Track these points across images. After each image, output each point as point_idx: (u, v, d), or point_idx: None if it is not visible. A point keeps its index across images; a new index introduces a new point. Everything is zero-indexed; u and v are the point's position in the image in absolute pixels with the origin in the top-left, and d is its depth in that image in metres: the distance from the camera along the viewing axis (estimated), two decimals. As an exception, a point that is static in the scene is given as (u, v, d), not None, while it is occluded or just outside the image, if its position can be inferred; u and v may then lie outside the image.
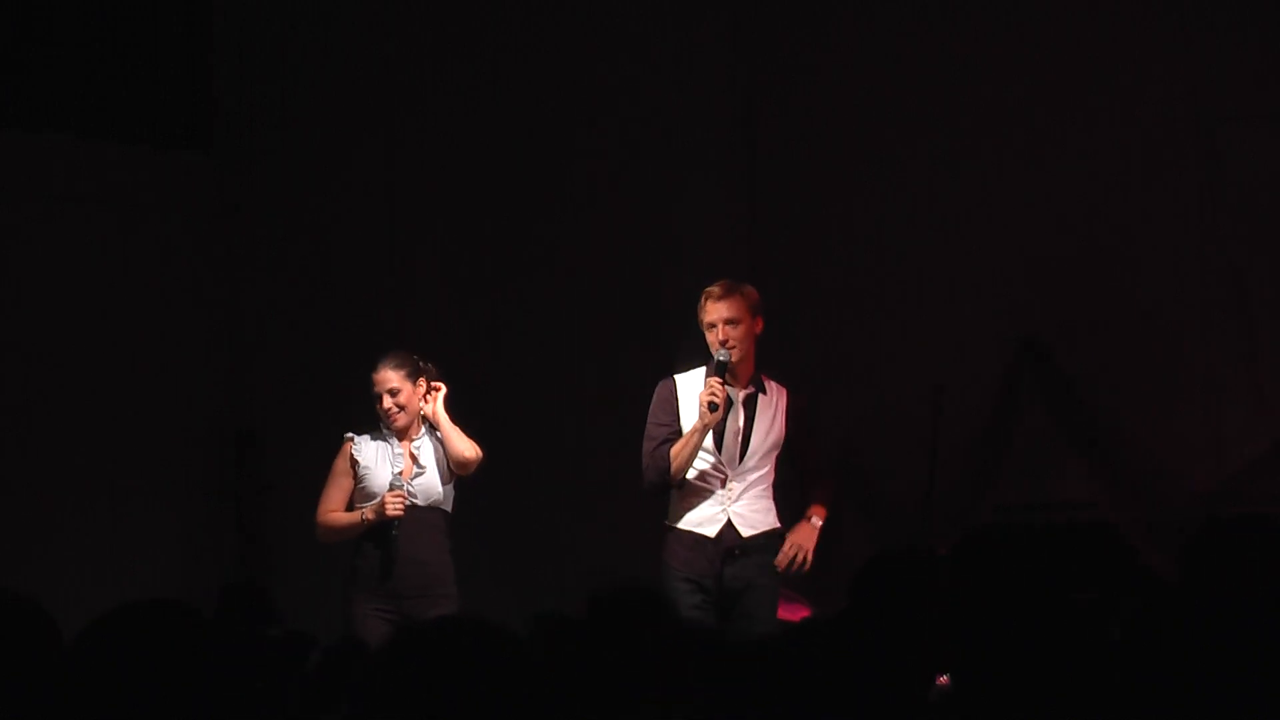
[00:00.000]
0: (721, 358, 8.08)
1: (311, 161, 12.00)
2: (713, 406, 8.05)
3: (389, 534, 8.08)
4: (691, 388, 8.19)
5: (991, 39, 10.24)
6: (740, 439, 8.23)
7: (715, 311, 8.18)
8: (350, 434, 8.38)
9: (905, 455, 9.79)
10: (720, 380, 8.08)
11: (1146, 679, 3.64)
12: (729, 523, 8.14)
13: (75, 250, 11.34)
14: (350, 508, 8.27)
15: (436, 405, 8.52)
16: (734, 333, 8.15)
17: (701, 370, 8.20)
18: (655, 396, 8.28)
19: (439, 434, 8.46)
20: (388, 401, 8.27)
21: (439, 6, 11.10)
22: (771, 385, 8.35)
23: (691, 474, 8.25)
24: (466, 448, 8.35)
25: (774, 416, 8.29)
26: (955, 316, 10.33)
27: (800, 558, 8.26)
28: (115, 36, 11.22)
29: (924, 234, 10.50)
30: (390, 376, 8.35)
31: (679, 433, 8.23)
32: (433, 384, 8.49)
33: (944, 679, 7.15)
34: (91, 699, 3.45)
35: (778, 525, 8.17)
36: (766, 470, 8.18)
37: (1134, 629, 3.92)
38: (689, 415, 8.17)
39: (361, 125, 11.91)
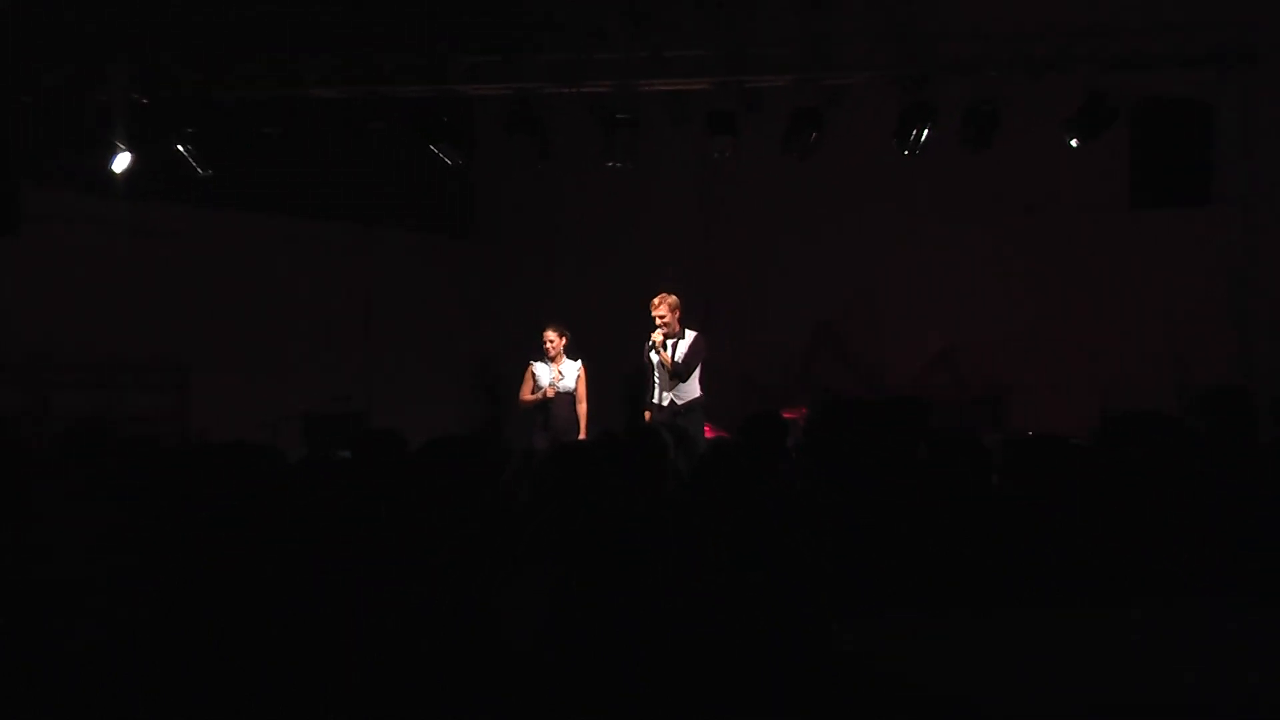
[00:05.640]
0: (658, 334, 8.31)
1: (520, 238, 12.27)
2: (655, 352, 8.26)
3: (548, 404, 8.52)
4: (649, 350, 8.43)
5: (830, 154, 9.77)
6: (671, 361, 8.29)
7: (656, 311, 8.38)
8: (531, 361, 8.71)
9: (771, 373, 10.01)
10: (662, 342, 8.26)
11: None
12: (672, 399, 8.27)
13: (407, 289, 11.96)
14: (534, 393, 8.62)
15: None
16: (666, 321, 8.30)
17: (652, 339, 8.42)
18: (645, 355, 8.46)
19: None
20: (555, 344, 8.61)
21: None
22: (689, 333, 8.39)
23: (658, 381, 8.35)
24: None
25: (686, 350, 8.33)
26: (794, 308, 10.79)
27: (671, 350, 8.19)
28: (414, 167, 10.61)
29: (782, 267, 10.96)
30: (553, 334, 8.63)
31: (651, 370, 8.35)
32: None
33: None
34: (423, 481, 3.50)
35: (699, 395, 8.33)
36: (688, 375, 8.24)
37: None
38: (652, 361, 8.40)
39: (543, 220, 12.06)
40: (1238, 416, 3.58)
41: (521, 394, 8.65)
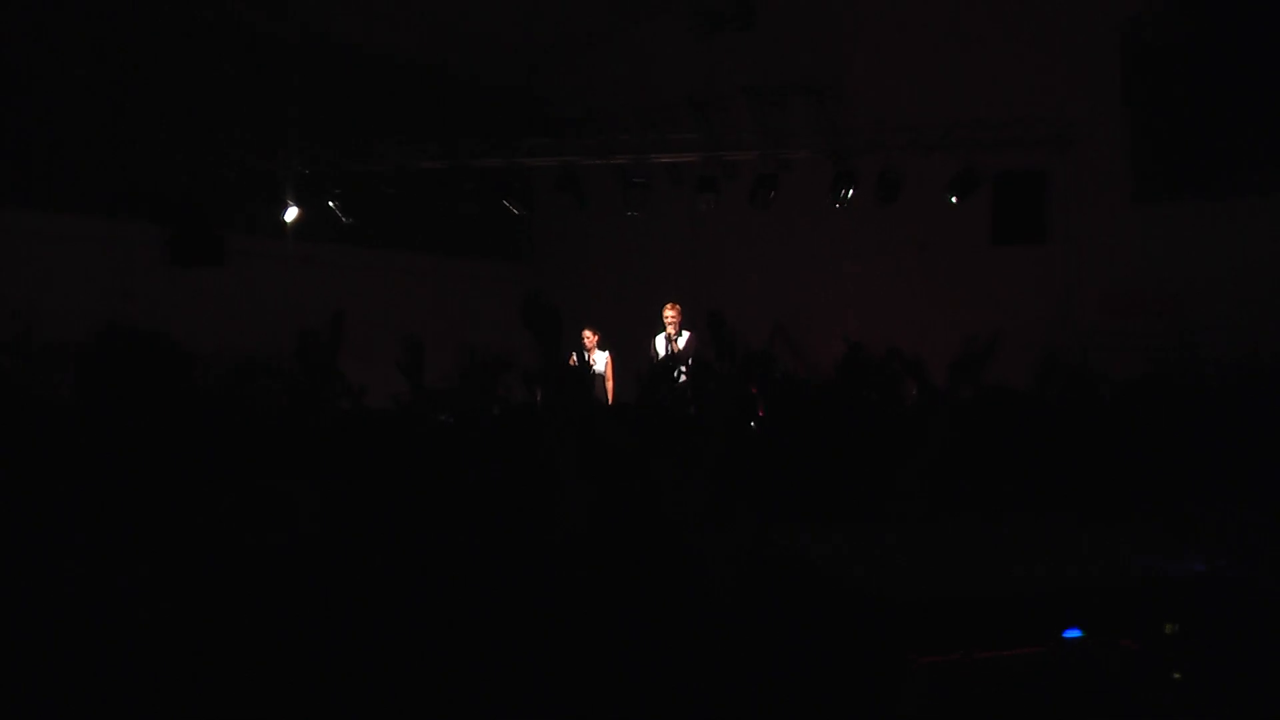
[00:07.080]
0: (668, 329, 8.40)
1: (566, 264, 12.09)
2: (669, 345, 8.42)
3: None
4: (659, 341, 8.44)
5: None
6: (675, 351, 8.21)
7: (667, 313, 8.38)
8: (571, 352, 7.78)
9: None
10: (669, 337, 8.29)
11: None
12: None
13: (486, 300, 11.45)
14: (576, 375, 9.21)
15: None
16: (674, 321, 8.28)
17: (660, 335, 8.26)
18: (652, 346, 8.56)
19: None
20: (590, 340, 8.59)
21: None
22: (686, 333, 8.43)
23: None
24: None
25: (684, 343, 8.24)
26: (758, 313, 10.46)
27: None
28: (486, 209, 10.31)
29: (749, 284, 10.71)
30: (589, 332, 8.66)
31: (658, 358, 8.33)
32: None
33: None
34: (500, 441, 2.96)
35: None
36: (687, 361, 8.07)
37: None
38: (659, 349, 8.48)
39: (582, 252, 11.95)
40: (1082, 386, 3.25)
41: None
